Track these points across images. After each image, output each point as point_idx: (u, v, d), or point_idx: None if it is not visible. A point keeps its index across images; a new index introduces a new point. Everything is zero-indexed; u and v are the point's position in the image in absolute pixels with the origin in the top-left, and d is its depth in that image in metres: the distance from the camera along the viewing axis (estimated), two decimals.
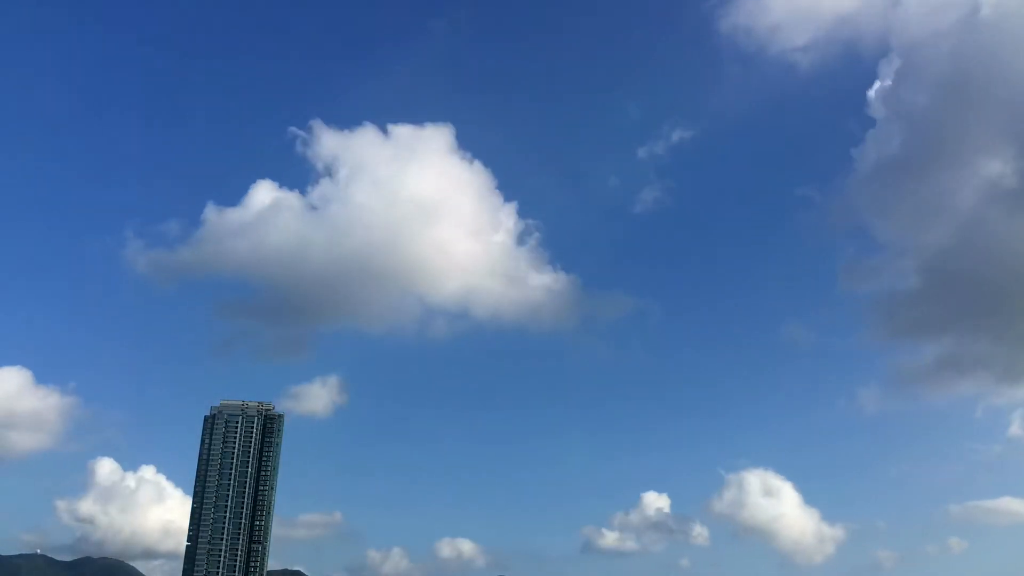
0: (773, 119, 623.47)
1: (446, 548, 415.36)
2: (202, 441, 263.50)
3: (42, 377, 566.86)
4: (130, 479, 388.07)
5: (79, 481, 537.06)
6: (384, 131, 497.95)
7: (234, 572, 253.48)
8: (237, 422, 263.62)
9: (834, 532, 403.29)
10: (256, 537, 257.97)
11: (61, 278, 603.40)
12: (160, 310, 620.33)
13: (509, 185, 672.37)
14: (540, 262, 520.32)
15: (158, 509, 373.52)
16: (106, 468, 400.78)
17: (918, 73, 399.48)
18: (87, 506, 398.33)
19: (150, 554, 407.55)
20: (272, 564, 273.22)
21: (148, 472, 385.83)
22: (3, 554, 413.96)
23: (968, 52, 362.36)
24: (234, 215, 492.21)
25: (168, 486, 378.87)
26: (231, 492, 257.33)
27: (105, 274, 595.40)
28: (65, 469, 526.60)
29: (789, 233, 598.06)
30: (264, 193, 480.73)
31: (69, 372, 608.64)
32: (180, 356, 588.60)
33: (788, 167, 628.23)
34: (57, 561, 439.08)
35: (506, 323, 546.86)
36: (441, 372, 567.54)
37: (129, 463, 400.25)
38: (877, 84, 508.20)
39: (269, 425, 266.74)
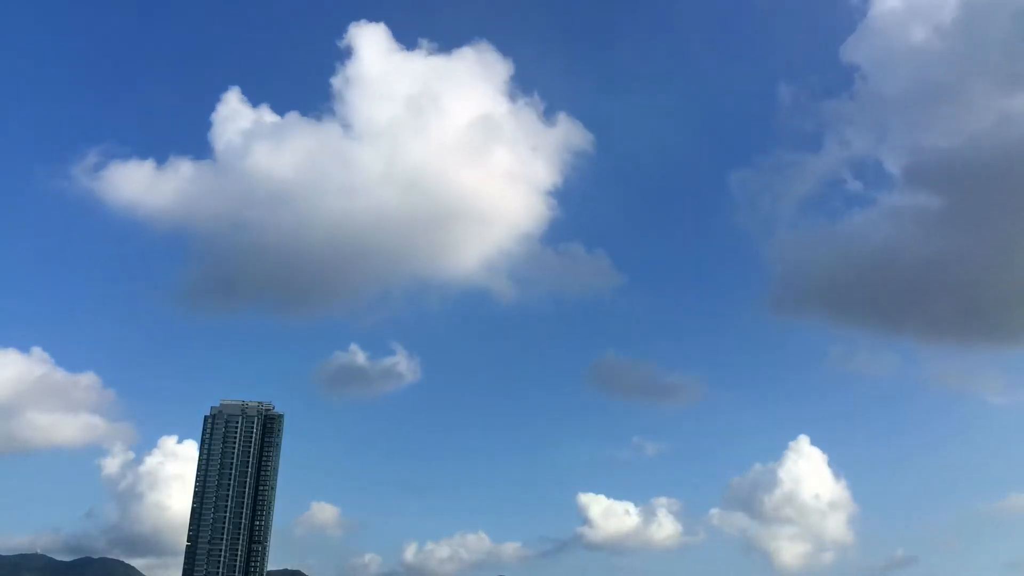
0: None
1: (458, 541, 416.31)
2: (202, 441, 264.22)
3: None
4: (134, 477, 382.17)
5: (80, 480, 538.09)
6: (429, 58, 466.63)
7: (234, 572, 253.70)
8: (237, 422, 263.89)
9: (863, 516, 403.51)
10: (256, 537, 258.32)
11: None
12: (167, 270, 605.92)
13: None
14: (569, 238, 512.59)
15: (158, 508, 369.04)
16: (109, 467, 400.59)
17: None
18: (87, 505, 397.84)
19: (152, 552, 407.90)
20: (284, 559, 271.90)
21: (153, 469, 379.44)
22: (3, 554, 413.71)
23: None
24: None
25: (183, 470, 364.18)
26: (231, 492, 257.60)
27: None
28: (66, 467, 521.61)
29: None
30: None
31: (82, 360, 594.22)
32: (193, 335, 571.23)
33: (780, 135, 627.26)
34: (57, 561, 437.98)
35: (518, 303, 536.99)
36: (446, 357, 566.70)
37: (132, 460, 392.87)
38: None
39: (269, 425, 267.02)
